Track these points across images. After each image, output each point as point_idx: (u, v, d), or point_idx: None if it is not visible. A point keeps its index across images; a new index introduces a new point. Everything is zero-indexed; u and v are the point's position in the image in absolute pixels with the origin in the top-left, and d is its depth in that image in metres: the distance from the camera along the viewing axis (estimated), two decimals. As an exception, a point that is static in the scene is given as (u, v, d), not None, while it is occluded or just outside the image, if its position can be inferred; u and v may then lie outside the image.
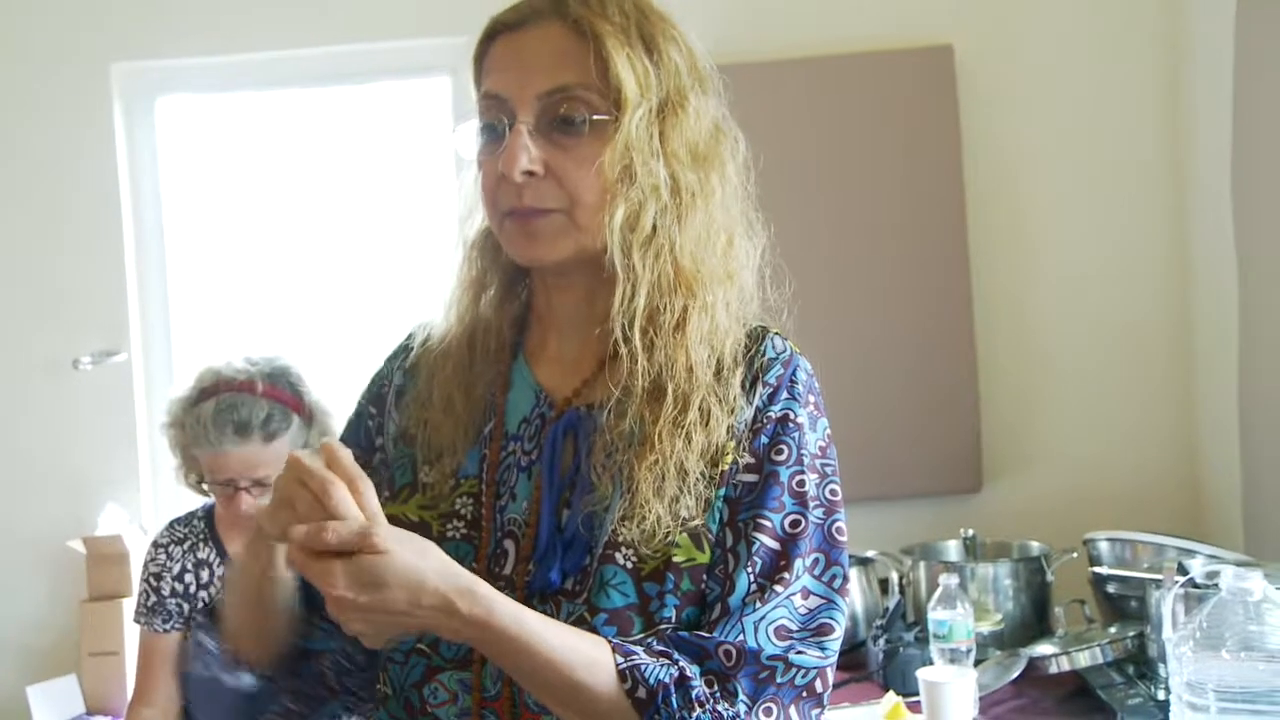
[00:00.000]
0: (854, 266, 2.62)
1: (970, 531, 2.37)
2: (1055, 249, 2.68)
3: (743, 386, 1.03)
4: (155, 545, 2.08)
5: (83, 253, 2.77)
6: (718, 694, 0.94)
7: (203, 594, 2.03)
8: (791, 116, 2.61)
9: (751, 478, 1.01)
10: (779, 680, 0.96)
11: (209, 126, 2.92)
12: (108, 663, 2.54)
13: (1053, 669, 1.94)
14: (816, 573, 0.99)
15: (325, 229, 2.90)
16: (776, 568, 0.98)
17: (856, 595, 2.32)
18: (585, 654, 0.92)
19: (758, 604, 0.96)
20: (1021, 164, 2.69)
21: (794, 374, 1.04)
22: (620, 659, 0.92)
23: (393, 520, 0.90)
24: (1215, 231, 2.47)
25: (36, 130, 2.77)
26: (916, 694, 1.85)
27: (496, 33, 1.03)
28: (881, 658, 2.09)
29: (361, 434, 1.15)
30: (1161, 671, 1.81)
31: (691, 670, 0.94)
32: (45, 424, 2.76)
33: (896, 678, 2.05)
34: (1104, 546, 2.17)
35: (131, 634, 2.42)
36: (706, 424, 0.99)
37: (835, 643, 0.99)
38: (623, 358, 1.00)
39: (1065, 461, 2.67)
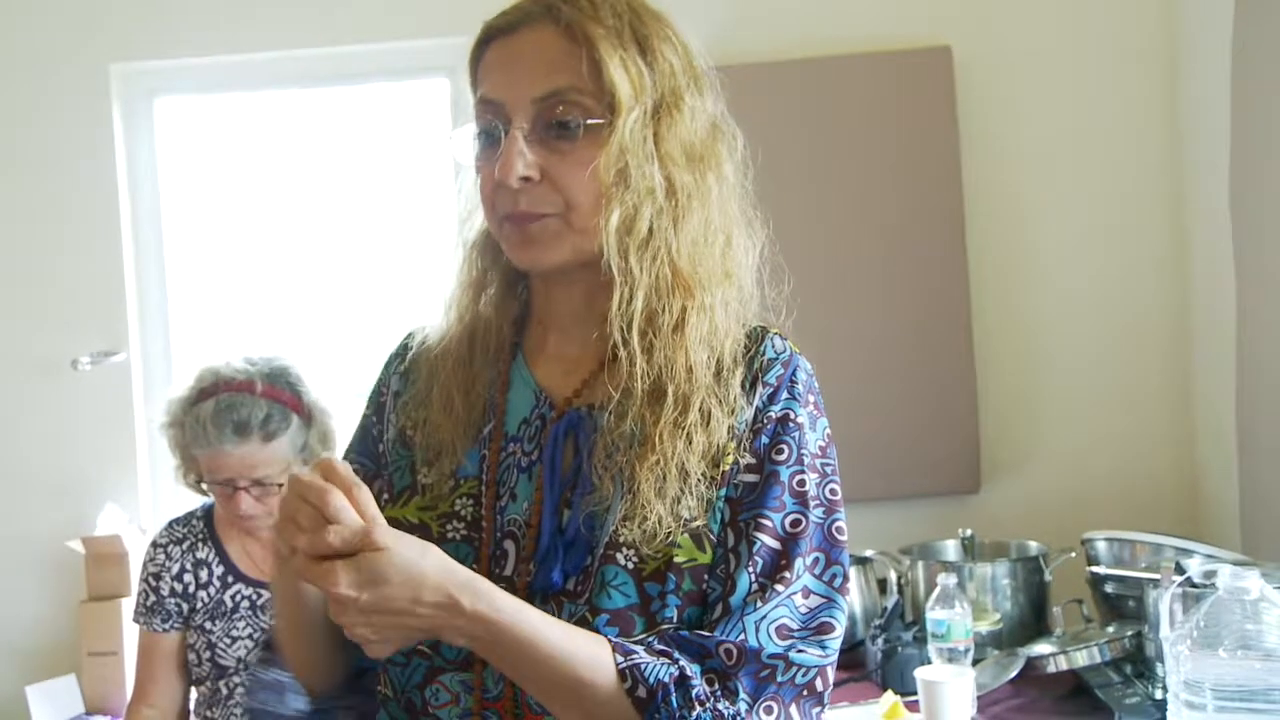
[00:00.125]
0: (852, 267, 2.62)
1: (968, 531, 2.37)
2: (1053, 249, 2.69)
3: (743, 387, 1.03)
4: (154, 545, 2.08)
5: (82, 253, 2.77)
6: (718, 692, 0.94)
7: (201, 594, 2.03)
8: (790, 117, 2.62)
9: (752, 478, 1.01)
10: (779, 679, 0.96)
11: (208, 127, 2.92)
12: (107, 663, 2.54)
13: (1051, 668, 1.94)
14: (817, 572, 1.00)
15: (324, 229, 2.90)
16: (777, 567, 0.98)
17: (855, 595, 2.32)
18: (586, 651, 0.92)
19: (758, 603, 0.97)
20: (1020, 165, 2.69)
21: (794, 374, 1.05)
22: (620, 658, 0.93)
23: (392, 523, 0.91)
24: (1213, 232, 2.47)
25: (36, 131, 2.77)
26: (915, 693, 1.86)
27: (490, 37, 1.03)
28: (880, 657, 2.10)
29: (369, 444, 1.15)
30: (1159, 671, 1.81)
31: (692, 669, 0.94)
32: (44, 424, 2.76)
33: (895, 677, 2.05)
34: (1102, 546, 2.17)
35: (131, 634, 2.42)
36: (707, 425, 1.00)
37: (836, 641, 0.99)
38: (622, 360, 1.00)
39: (1063, 461, 2.67)
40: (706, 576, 0.99)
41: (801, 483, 1.01)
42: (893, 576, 2.30)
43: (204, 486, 2.06)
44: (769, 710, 0.95)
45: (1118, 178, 2.68)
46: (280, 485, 1.98)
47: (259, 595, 2.03)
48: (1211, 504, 2.59)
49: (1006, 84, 2.68)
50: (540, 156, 0.99)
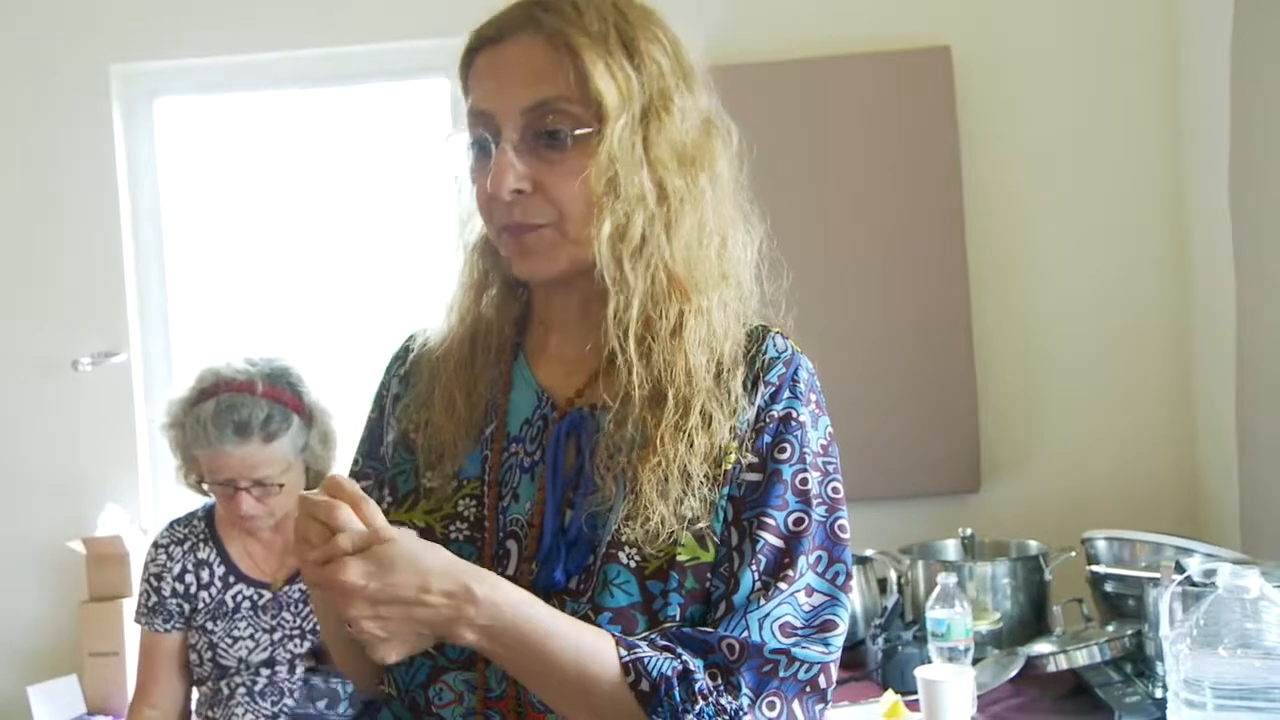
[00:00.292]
0: (852, 267, 2.63)
1: (968, 531, 2.37)
2: (1053, 249, 2.69)
3: (744, 386, 1.03)
4: (155, 545, 2.08)
5: (82, 254, 2.77)
6: (721, 687, 0.95)
7: (203, 594, 2.03)
8: (789, 117, 2.62)
9: (755, 476, 1.01)
10: (782, 675, 0.96)
11: (208, 128, 2.92)
12: (108, 663, 2.54)
13: (1051, 667, 1.94)
14: (820, 570, 1.00)
15: (324, 230, 2.90)
16: (780, 565, 0.99)
17: (855, 594, 2.32)
18: (591, 645, 0.93)
19: (762, 601, 0.97)
20: (1019, 165, 2.69)
21: (795, 373, 1.05)
22: (624, 652, 0.93)
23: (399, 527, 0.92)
24: (1213, 232, 2.47)
25: (36, 132, 2.77)
26: (915, 692, 1.86)
27: (478, 46, 1.03)
28: (880, 656, 2.10)
29: (375, 446, 1.16)
30: (1159, 669, 1.81)
31: (695, 664, 0.94)
32: (45, 425, 2.76)
33: (895, 676, 2.05)
34: (1102, 545, 2.17)
35: (132, 634, 2.43)
36: (708, 427, 1.00)
37: (839, 639, 0.99)
38: (620, 367, 1.00)
39: (1063, 461, 2.67)
40: (709, 575, 0.99)
41: (804, 481, 1.01)
42: (893, 576, 2.30)
43: (205, 487, 2.06)
44: (771, 706, 0.96)
45: (1117, 178, 2.69)
46: (281, 486, 1.98)
47: (260, 595, 2.03)
48: (1211, 503, 2.59)
49: (1006, 84, 2.69)
50: (531, 167, 0.99)
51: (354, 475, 1.16)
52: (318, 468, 2.05)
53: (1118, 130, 2.69)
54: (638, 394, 1.00)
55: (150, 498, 2.80)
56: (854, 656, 2.20)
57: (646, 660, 0.93)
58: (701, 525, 0.99)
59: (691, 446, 0.99)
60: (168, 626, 2.04)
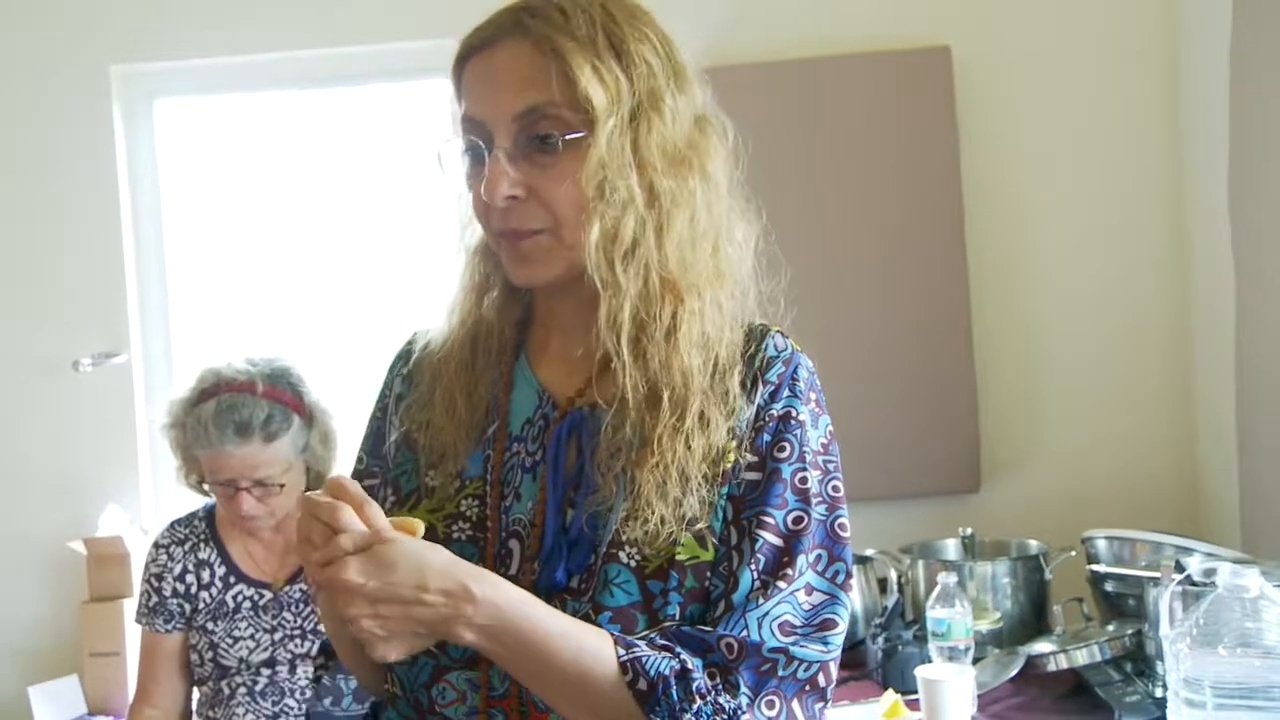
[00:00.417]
0: (852, 267, 2.63)
1: (969, 530, 2.37)
2: (1053, 249, 2.69)
3: (743, 386, 1.03)
4: (156, 546, 2.08)
5: (83, 254, 2.77)
6: (719, 686, 0.95)
7: (203, 594, 2.04)
8: (789, 117, 2.62)
9: (755, 475, 1.01)
10: (781, 673, 0.96)
11: (208, 128, 2.92)
12: (109, 663, 2.54)
13: (1051, 667, 1.94)
14: (820, 569, 1.00)
15: (325, 230, 2.90)
16: (780, 564, 0.99)
17: (856, 594, 2.32)
18: (590, 644, 0.93)
19: (761, 600, 0.97)
20: (1019, 165, 2.69)
21: (795, 371, 1.05)
22: (622, 651, 0.93)
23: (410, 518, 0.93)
24: (1212, 232, 2.48)
25: (36, 133, 2.77)
26: (915, 692, 1.86)
27: (468, 54, 1.03)
28: (880, 656, 2.10)
29: (378, 445, 1.16)
30: (1159, 669, 1.82)
31: (693, 663, 0.94)
32: (45, 425, 2.76)
33: (895, 676, 2.05)
34: (1102, 545, 2.17)
35: (133, 634, 2.43)
36: (706, 428, 1.00)
37: (838, 638, 0.99)
38: (615, 370, 1.01)
39: (1063, 460, 2.68)
40: (709, 574, 1.00)
41: (804, 480, 1.01)
42: (893, 575, 2.30)
43: (205, 487, 2.06)
44: (770, 705, 0.96)
45: (1117, 178, 2.69)
46: (282, 486, 1.98)
47: (261, 596, 2.04)
48: (1211, 502, 2.59)
49: (1006, 84, 2.69)
50: (524, 173, 0.99)
51: (358, 474, 1.16)
52: (318, 468, 2.05)
53: (1118, 130, 2.69)
54: (633, 396, 1.00)
55: (151, 498, 2.80)
56: (854, 656, 2.20)
57: (644, 659, 0.93)
58: (701, 525, 0.99)
59: (689, 447, 0.99)
60: (168, 627, 2.05)
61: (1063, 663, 1.93)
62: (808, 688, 0.98)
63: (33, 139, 2.77)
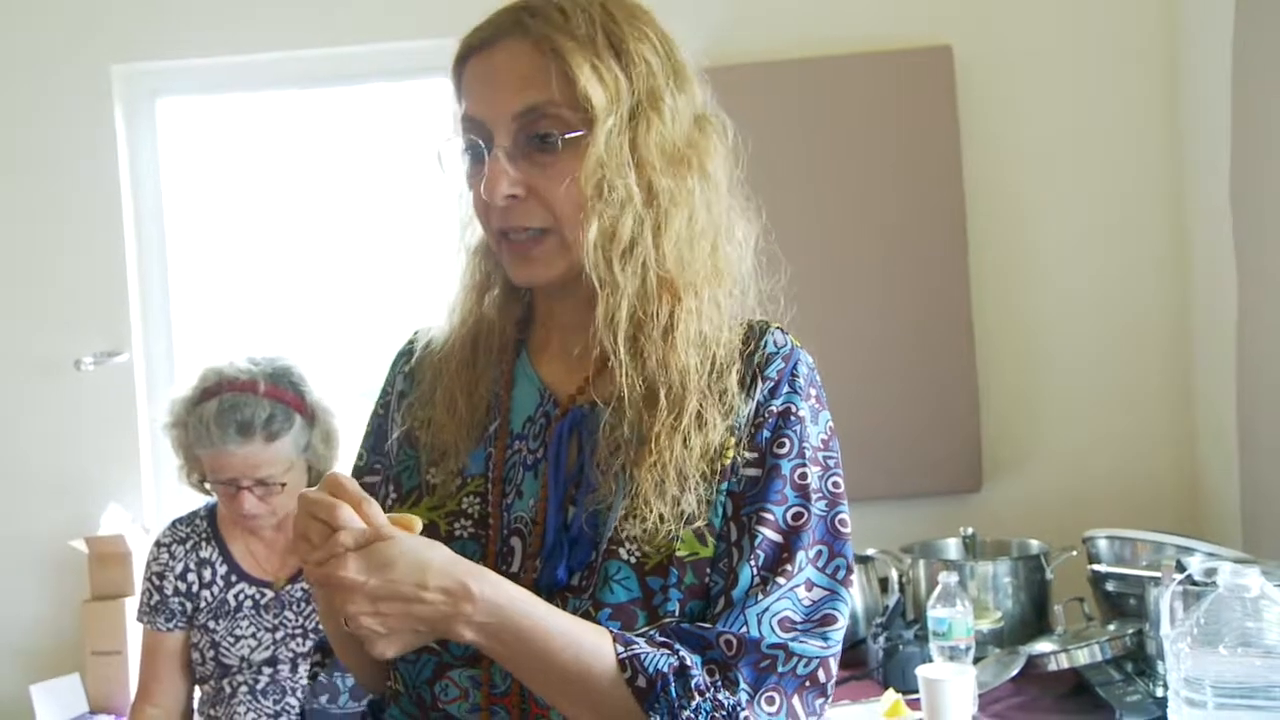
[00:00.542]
0: (853, 267, 2.63)
1: (970, 530, 2.37)
2: (1054, 248, 2.69)
3: (742, 383, 1.03)
4: (158, 544, 2.09)
5: (84, 254, 2.77)
6: (718, 683, 0.95)
7: (205, 593, 2.04)
8: (790, 117, 2.62)
9: (754, 472, 1.01)
10: (780, 669, 0.96)
11: (209, 128, 2.93)
12: (111, 662, 2.54)
13: (1052, 666, 1.94)
14: (820, 565, 1.00)
15: (326, 230, 2.91)
16: (779, 560, 0.99)
17: (856, 593, 2.32)
18: (589, 641, 0.93)
19: (760, 596, 0.97)
20: (1020, 164, 2.69)
21: (795, 368, 1.05)
22: (621, 648, 0.93)
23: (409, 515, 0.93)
24: (1214, 230, 2.47)
25: (37, 132, 2.77)
26: (916, 691, 1.86)
27: (468, 54, 1.03)
28: (881, 655, 2.10)
29: (380, 442, 1.16)
30: (1160, 668, 1.82)
31: (692, 660, 0.94)
32: (47, 424, 2.76)
33: (896, 675, 2.05)
34: (1103, 544, 2.17)
35: (134, 633, 2.43)
36: (703, 426, 1.00)
37: (838, 633, 1.00)
38: (613, 369, 1.01)
39: (1064, 460, 2.68)
40: (709, 570, 1.00)
41: (803, 476, 1.01)
42: (894, 575, 2.30)
43: (207, 486, 2.06)
44: (770, 701, 0.96)
45: (1118, 177, 2.69)
46: (283, 485, 1.98)
47: (262, 594, 2.04)
48: (1212, 502, 2.59)
49: (1007, 84, 2.69)
50: (524, 172, 0.99)
51: (358, 471, 1.17)
52: (320, 467, 2.05)
53: (1119, 130, 2.69)
54: (630, 394, 1.00)
55: (152, 497, 2.81)
56: (855, 655, 2.20)
57: (643, 656, 0.93)
58: (700, 523, 1.00)
59: (687, 446, 0.99)
60: (170, 625, 2.05)
61: (1064, 662, 1.93)
62: (808, 683, 0.98)
63: (34, 138, 2.77)
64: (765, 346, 1.05)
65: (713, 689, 0.94)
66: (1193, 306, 2.65)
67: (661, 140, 1.01)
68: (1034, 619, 2.22)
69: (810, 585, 0.99)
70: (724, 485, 1.01)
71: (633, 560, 0.99)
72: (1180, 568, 1.79)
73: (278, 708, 1.99)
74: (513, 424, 1.08)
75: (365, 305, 2.86)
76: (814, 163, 2.62)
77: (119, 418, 2.77)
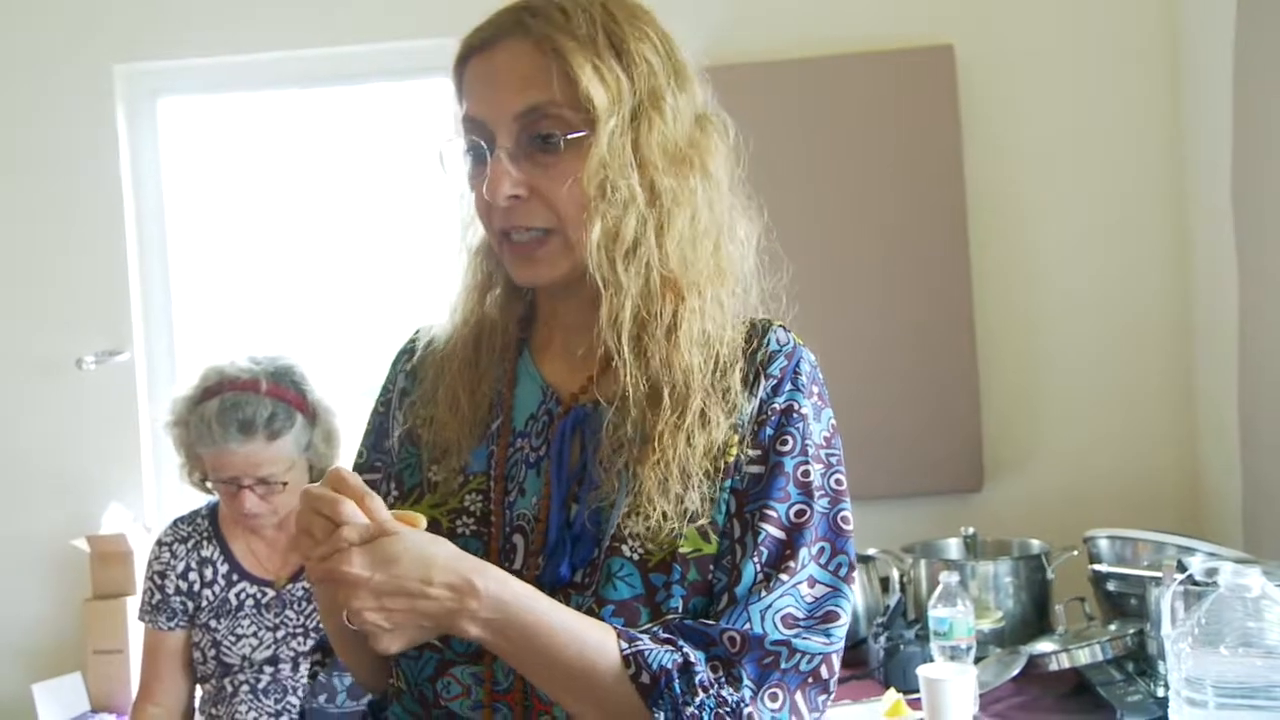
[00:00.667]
0: (855, 266, 2.63)
1: (971, 529, 2.37)
2: (1056, 248, 2.69)
3: (744, 381, 1.03)
4: (159, 544, 2.09)
5: (86, 253, 2.78)
6: (722, 679, 0.95)
7: (206, 592, 2.04)
8: (792, 117, 2.62)
9: (757, 469, 1.02)
10: (783, 666, 0.96)
11: (211, 127, 2.93)
12: (112, 661, 2.54)
13: (1053, 666, 1.94)
14: (822, 561, 1.01)
15: (327, 229, 2.91)
16: (782, 557, 0.99)
17: (857, 593, 2.32)
18: (593, 637, 0.93)
19: (763, 593, 0.97)
20: (1022, 164, 2.69)
21: (797, 365, 1.05)
22: (625, 645, 0.93)
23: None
24: (1216, 230, 2.47)
25: (39, 132, 2.78)
26: (917, 691, 1.86)
27: (469, 54, 1.03)
28: (882, 655, 2.10)
29: (381, 440, 1.17)
30: (1161, 668, 1.82)
31: (696, 656, 0.94)
32: (48, 423, 2.76)
33: (897, 675, 2.05)
34: (1104, 544, 2.17)
35: (136, 632, 2.44)
36: (706, 425, 1.00)
37: (841, 630, 1.00)
38: (616, 368, 1.01)
39: (1065, 460, 2.67)
40: (712, 567, 1.00)
41: (806, 473, 1.02)
42: (895, 574, 2.30)
43: (209, 485, 2.06)
44: (773, 697, 0.96)
45: (1120, 176, 2.69)
46: (285, 484, 1.99)
47: (263, 593, 2.04)
48: (1213, 502, 2.59)
49: (1009, 83, 2.69)
50: (526, 173, 1.00)
51: (358, 468, 1.17)
52: (321, 466, 2.06)
53: (1120, 129, 2.69)
54: (634, 393, 1.00)
55: (154, 496, 2.81)
56: (856, 655, 2.20)
57: (647, 653, 0.93)
58: (703, 520, 1.00)
59: (690, 444, 0.99)
60: (171, 624, 2.05)
61: (1065, 662, 1.93)
62: (810, 680, 0.98)
63: (36, 138, 2.78)
64: (768, 344, 1.06)
65: (716, 685, 0.94)
66: (1194, 306, 2.65)
67: (664, 140, 1.01)
68: (1035, 619, 2.22)
69: (813, 582, 0.99)
70: (727, 482, 1.01)
71: (636, 557, 0.99)
72: (1181, 568, 1.79)
73: (279, 707, 1.99)
74: (515, 422, 1.08)
75: (366, 304, 2.86)
76: (815, 162, 2.62)
77: (120, 417, 2.77)
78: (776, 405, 1.03)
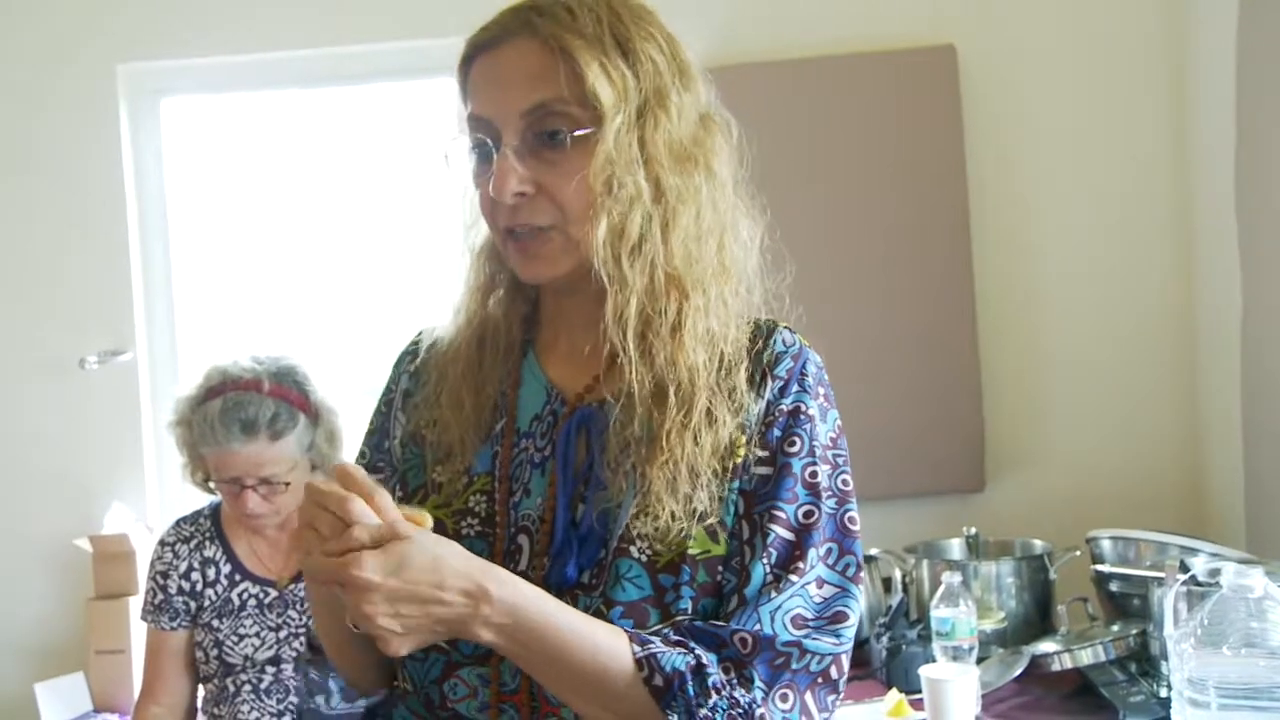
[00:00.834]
0: (857, 266, 2.63)
1: (973, 530, 2.37)
2: (1058, 248, 2.69)
3: (751, 381, 1.04)
4: (162, 543, 2.09)
5: (88, 253, 2.78)
6: (734, 681, 0.95)
7: (209, 592, 2.04)
8: (794, 117, 2.62)
9: (765, 470, 1.02)
10: (794, 666, 0.97)
11: (214, 127, 2.93)
12: (115, 660, 2.55)
13: (1055, 666, 1.94)
14: (830, 562, 1.01)
15: (330, 229, 2.91)
16: (791, 558, 0.99)
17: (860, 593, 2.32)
18: (605, 640, 0.93)
19: (773, 594, 0.98)
20: (1024, 163, 2.69)
21: (804, 366, 1.06)
22: (637, 647, 0.94)
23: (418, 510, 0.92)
24: (1218, 229, 2.47)
25: (42, 131, 2.78)
26: (919, 691, 1.86)
27: (474, 54, 1.04)
28: (884, 655, 2.10)
29: (382, 440, 1.17)
30: (1163, 669, 1.81)
31: (708, 658, 0.95)
32: (51, 423, 2.77)
33: (899, 675, 2.05)
34: (1106, 545, 2.17)
35: (138, 632, 2.44)
36: (713, 423, 1.01)
37: (850, 630, 1.00)
38: (621, 365, 1.01)
39: (1068, 460, 2.67)
40: (721, 568, 1.00)
41: (814, 474, 1.02)
42: (897, 575, 2.30)
43: (211, 485, 2.06)
44: (784, 698, 0.96)
45: (1122, 176, 2.69)
46: (287, 484, 1.99)
47: (266, 593, 2.04)
48: (1216, 502, 2.59)
49: (1011, 83, 2.68)
50: (532, 169, 1.00)
51: (363, 467, 1.16)
52: (324, 466, 2.06)
53: (1123, 129, 2.69)
54: (640, 391, 1.00)
55: (156, 496, 2.81)
56: (858, 655, 2.20)
57: (660, 656, 0.93)
58: (712, 520, 1.00)
59: (698, 443, 1.00)
60: (174, 624, 2.05)
61: (1067, 662, 1.93)
62: (820, 680, 0.98)
63: (39, 137, 2.78)
64: (774, 345, 1.06)
65: (729, 687, 0.94)
66: (1197, 306, 2.64)
67: (669, 138, 1.02)
68: (1037, 619, 2.22)
69: (821, 583, 1.00)
70: (735, 484, 1.02)
71: (644, 558, 0.99)
72: (1184, 568, 1.79)
73: (281, 706, 1.99)
74: (519, 422, 1.08)
75: (368, 304, 2.86)
76: (817, 163, 2.62)
77: (123, 417, 2.77)
78: (784, 407, 1.03)
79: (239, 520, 2.05)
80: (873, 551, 2.36)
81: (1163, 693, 1.80)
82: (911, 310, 2.63)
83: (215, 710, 2.05)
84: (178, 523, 2.12)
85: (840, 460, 1.05)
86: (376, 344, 2.72)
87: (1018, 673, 1.95)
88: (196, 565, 2.05)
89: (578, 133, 0.98)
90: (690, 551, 0.99)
